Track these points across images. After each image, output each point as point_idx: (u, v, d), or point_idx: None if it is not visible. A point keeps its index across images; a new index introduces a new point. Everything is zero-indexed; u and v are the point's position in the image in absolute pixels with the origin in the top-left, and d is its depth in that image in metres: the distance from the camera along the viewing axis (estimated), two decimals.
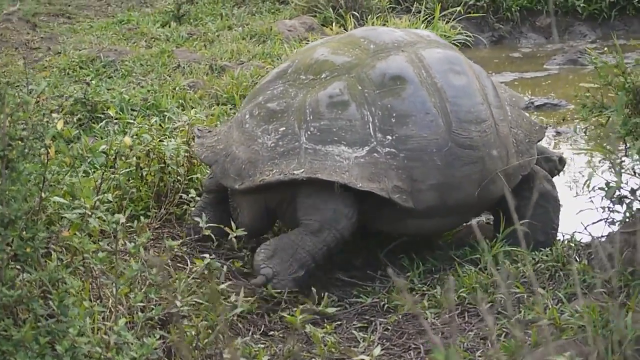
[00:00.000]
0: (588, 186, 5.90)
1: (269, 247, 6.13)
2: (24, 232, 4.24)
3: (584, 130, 6.01)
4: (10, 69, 11.33)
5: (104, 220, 4.83)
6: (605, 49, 14.52)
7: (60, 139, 7.05)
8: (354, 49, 6.55)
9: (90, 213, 4.79)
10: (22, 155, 4.26)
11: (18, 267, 4.33)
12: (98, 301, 4.76)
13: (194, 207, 6.75)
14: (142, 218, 5.86)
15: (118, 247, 4.64)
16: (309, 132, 6.15)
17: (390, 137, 6.14)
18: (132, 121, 7.84)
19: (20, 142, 4.29)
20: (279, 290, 5.96)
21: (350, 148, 6.10)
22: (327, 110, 6.19)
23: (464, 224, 6.90)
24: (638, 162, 5.27)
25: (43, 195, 4.55)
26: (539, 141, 6.88)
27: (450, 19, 11.63)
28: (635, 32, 15.43)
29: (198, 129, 6.92)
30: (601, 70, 5.87)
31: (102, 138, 8.15)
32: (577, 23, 15.59)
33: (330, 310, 5.92)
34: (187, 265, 5.98)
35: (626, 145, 5.74)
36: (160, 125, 7.86)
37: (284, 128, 6.22)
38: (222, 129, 6.77)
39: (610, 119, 5.83)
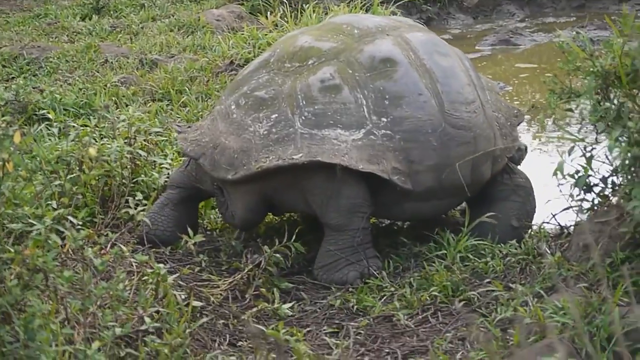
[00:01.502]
0: (557, 174, 5.73)
1: (318, 258, 6.19)
2: None
3: (551, 117, 5.78)
4: None
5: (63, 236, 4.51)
6: (535, 27, 14.56)
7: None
8: (338, 34, 6.46)
9: (50, 227, 4.44)
10: None
11: None
12: (65, 322, 4.44)
13: (141, 211, 6.42)
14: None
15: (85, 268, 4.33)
16: (303, 117, 6.02)
17: (385, 119, 6.05)
18: (73, 124, 7.44)
19: None
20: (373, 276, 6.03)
21: (347, 131, 5.99)
22: (319, 94, 6.08)
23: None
24: (617, 151, 5.06)
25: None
26: (518, 125, 6.83)
27: (387, 4, 11.40)
28: (563, 9, 15.41)
29: (177, 125, 6.82)
30: (569, 55, 5.66)
31: (35, 141, 7.75)
32: (505, 2, 15.54)
33: (285, 310, 5.65)
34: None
35: (597, 131, 5.56)
36: (95, 125, 7.54)
37: (276, 115, 6.07)
38: (204, 123, 6.57)
39: (579, 105, 5.63)
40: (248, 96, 6.24)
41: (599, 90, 5.47)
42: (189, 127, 6.71)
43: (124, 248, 5.08)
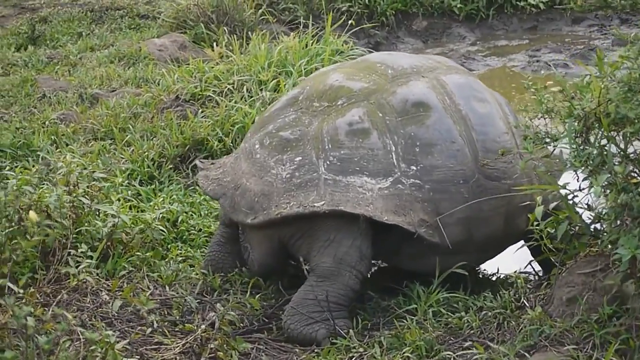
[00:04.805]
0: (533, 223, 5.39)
1: (291, 304, 5.75)
2: None
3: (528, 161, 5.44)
4: None
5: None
6: (487, 51, 14.28)
7: None
8: (371, 74, 6.19)
9: None
10: None
11: None
12: None
13: (84, 266, 5.96)
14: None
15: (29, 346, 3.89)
16: (328, 162, 5.78)
17: (414, 168, 5.78)
18: (11, 172, 6.92)
19: None
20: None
21: (373, 179, 5.72)
22: (346, 138, 5.83)
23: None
24: (602, 197, 4.71)
25: None
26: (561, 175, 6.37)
27: (339, 33, 11.02)
28: (514, 30, 15.16)
29: (200, 161, 6.56)
30: (540, 96, 5.32)
31: None
32: (455, 25, 15.24)
33: None
34: None
35: (578, 178, 5.21)
36: (35, 168, 7.06)
37: (300, 158, 5.82)
38: (227, 160, 6.36)
39: (559, 150, 5.27)
40: (273, 136, 5.98)
41: (579, 134, 5.13)
42: (212, 163, 6.45)
43: (70, 317, 4.63)
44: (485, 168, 5.85)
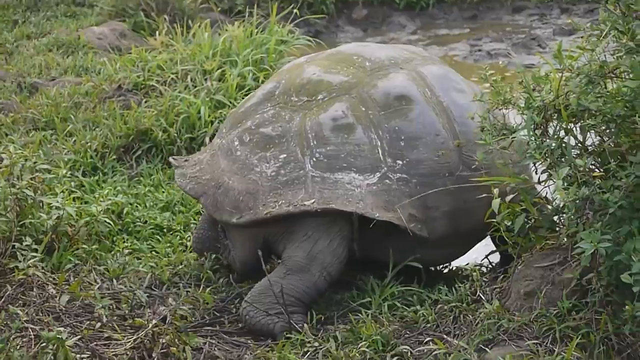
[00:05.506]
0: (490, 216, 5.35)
1: (254, 290, 5.65)
2: None
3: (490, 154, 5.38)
4: None
5: None
6: (428, 40, 14.26)
7: None
8: (348, 67, 6.11)
9: None
10: None
11: None
12: None
13: (32, 260, 5.80)
14: None
15: None
16: (314, 159, 5.69)
17: (400, 162, 5.72)
18: None
19: None
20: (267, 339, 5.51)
21: (361, 175, 5.66)
22: (332, 134, 5.75)
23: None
24: (566, 192, 4.66)
25: None
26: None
27: (283, 23, 10.87)
28: (455, 20, 15.16)
29: (173, 158, 6.44)
30: (497, 87, 5.28)
31: None
32: (396, 13, 15.21)
33: None
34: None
35: (536, 170, 5.18)
36: None
37: (285, 155, 5.73)
38: (201, 157, 6.21)
39: (517, 142, 5.23)
40: (253, 132, 5.89)
41: (538, 126, 5.09)
42: (186, 160, 6.32)
43: (22, 314, 4.50)
44: (469, 159, 5.80)
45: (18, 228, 6.11)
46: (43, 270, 5.95)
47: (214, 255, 6.25)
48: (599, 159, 4.91)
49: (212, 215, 5.89)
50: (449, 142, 5.80)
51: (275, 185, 5.62)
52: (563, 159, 4.87)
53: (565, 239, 5.05)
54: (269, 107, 6.00)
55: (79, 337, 5.08)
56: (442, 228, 5.76)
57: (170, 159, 6.45)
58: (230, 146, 5.94)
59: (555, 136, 4.99)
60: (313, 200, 5.51)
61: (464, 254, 6.33)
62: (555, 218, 5.27)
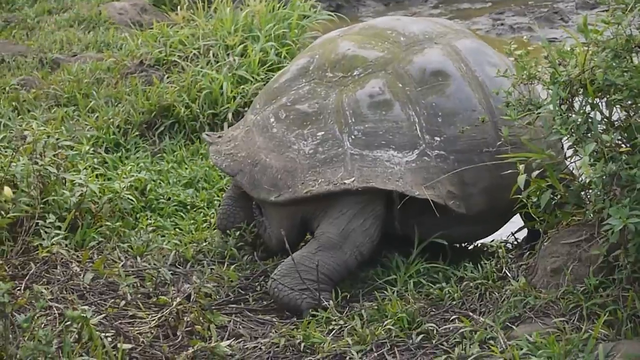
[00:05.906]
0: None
1: (282, 266, 5.64)
2: None
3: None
4: None
5: None
6: (450, 14, 14.16)
7: None
8: (383, 42, 6.07)
9: None
10: None
11: None
12: None
13: (55, 238, 5.81)
14: None
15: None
16: (352, 137, 5.68)
17: (438, 139, 5.71)
18: None
19: None
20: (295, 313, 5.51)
21: (400, 152, 5.65)
22: (369, 111, 5.73)
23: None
24: (593, 168, 4.61)
25: None
26: None
27: None
28: None
29: (206, 134, 6.42)
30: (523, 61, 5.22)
31: None
32: None
33: (224, 349, 5.05)
34: None
35: (563, 146, 5.12)
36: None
37: (323, 132, 5.72)
38: (237, 133, 6.16)
39: (543, 118, 5.17)
40: (289, 109, 5.86)
41: (564, 101, 5.03)
42: (219, 136, 6.28)
43: (46, 293, 4.50)
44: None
45: (41, 205, 6.13)
46: (67, 248, 5.97)
47: (238, 232, 6.23)
48: (626, 134, 4.87)
49: (249, 193, 5.86)
50: (486, 118, 5.75)
51: (314, 163, 5.61)
52: (589, 135, 4.82)
53: (592, 215, 5.00)
54: (304, 83, 5.96)
55: (103, 315, 5.07)
56: (480, 204, 5.73)
57: (204, 135, 6.44)
58: (266, 123, 5.90)
59: (581, 111, 4.94)
60: (353, 179, 5.49)
61: (498, 229, 6.29)
62: (582, 194, 5.22)
